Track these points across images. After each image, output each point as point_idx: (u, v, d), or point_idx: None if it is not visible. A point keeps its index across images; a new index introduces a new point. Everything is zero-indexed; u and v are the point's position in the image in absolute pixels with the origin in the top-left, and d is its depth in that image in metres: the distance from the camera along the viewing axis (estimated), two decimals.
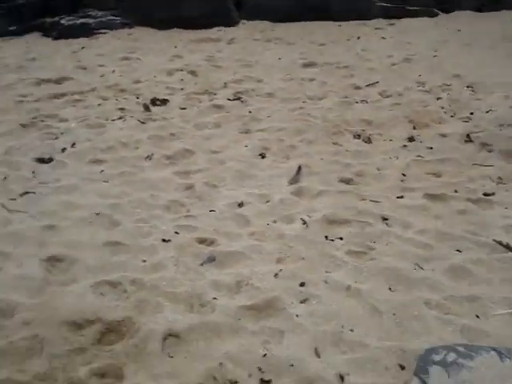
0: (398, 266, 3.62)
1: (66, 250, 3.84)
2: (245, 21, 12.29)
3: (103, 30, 12.06)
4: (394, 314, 3.19)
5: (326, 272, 3.60)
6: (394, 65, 8.65)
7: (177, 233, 4.08)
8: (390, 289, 3.44)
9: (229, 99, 7.11)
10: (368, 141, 5.77)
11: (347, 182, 4.92)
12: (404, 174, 5.02)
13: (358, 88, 7.53)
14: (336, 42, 10.38)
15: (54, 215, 4.34)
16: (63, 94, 7.58)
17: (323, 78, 8.01)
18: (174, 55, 9.65)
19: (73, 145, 5.72)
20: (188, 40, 10.97)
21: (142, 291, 3.41)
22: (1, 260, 3.76)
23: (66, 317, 3.15)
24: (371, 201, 4.53)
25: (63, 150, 5.61)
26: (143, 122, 6.35)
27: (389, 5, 12.41)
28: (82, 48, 10.70)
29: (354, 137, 5.87)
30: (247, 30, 11.71)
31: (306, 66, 8.72)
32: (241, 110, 6.70)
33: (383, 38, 10.71)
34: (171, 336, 3.04)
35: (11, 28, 13.04)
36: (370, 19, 12.15)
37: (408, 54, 9.21)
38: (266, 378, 2.76)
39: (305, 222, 4.18)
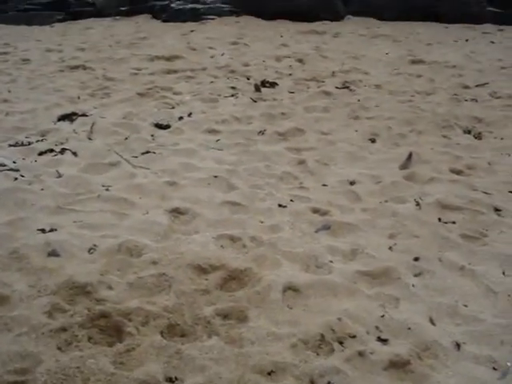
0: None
1: (188, 205, 4.05)
2: (350, 16, 12.36)
3: (211, 16, 12.41)
4: (509, 296, 3.19)
5: (440, 251, 3.63)
6: (503, 68, 8.47)
7: (292, 201, 4.22)
8: (503, 273, 3.43)
9: (337, 87, 7.20)
10: (478, 137, 5.71)
11: (458, 172, 4.90)
12: None
13: (466, 87, 7.44)
14: (443, 43, 10.27)
15: (174, 174, 4.58)
16: (175, 71, 7.92)
17: (431, 75, 7.96)
18: (280, 44, 9.84)
19: (189, 114, 5.98)
20: (293, 31, 11.15)
21: (260, 247, 3.56)
22: (128, 207, 4.02)
23: (191, 260, 3.34)
24: (483, 192, 4.50)
25: (180, 118, 5.89)
26: (255, 101, 6.54)
27: (499, 10, 12.14)
28: (191, 31, 11.06)
29: (464, 132, 5.83)
30: (352, 26, 11.78)
31: (413, 62, 8.69)
32: (349, 98, 6.77)
33: (492, 42, 10.50)
34: (290, 289, 3.16)
35: (122, 8, 13.66)
36: (478, 23, 11.95)
37: None
38: (384, 337, 2.84)
39: (418, 204, 4.21)
